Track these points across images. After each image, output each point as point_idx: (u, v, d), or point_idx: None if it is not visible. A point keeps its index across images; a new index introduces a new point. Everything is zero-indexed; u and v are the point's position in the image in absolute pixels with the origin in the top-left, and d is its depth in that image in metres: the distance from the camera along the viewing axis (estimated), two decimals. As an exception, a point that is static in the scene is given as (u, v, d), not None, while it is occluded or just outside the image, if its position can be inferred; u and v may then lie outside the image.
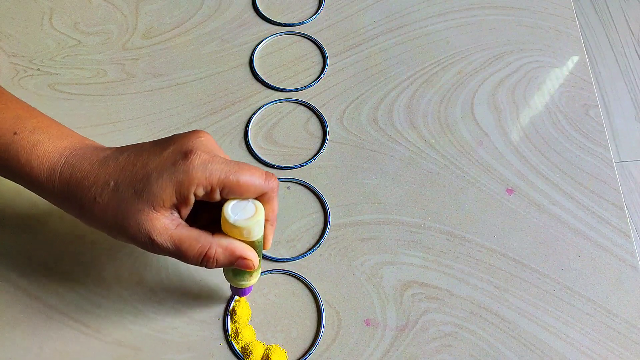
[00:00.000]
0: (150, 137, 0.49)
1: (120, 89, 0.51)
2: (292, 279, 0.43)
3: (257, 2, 0.57)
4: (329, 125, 0.50)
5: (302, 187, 0.47)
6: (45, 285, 0.42)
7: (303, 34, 0.56)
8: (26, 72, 0.52)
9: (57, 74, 0.52)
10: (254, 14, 0.57)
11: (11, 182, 0.42)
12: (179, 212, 0.34)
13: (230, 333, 0.41)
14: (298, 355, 0.41)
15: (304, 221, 0.46)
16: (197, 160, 0.33)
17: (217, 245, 0.34)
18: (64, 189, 0.34)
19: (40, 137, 0.35)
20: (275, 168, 0.48)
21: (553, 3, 0.59)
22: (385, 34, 0.56)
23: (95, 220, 0.34)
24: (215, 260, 0.34)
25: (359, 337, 0.41)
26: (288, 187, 0.47)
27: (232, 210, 0.34)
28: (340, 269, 0.44)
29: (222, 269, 0.37)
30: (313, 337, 0.41)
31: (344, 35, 0.56)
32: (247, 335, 0.40)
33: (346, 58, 0.55)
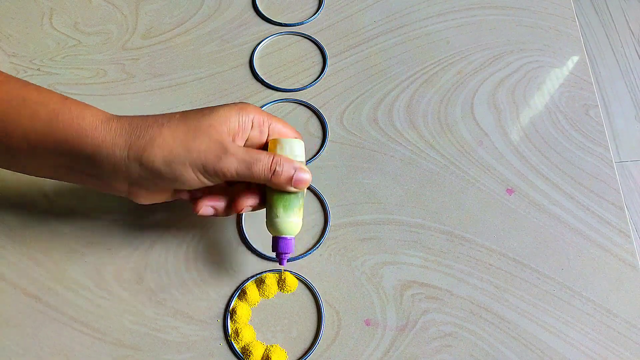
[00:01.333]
0: (150, 137, 0.49)
1: (120, 89, 0.51)
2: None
3: (257, 2, 0.57)
4: (329, 125, 0.50)
5: (302, 187, 0.47)
6: (45, 285, 0.42)
7: (303, 34, 0.56)
8: (26, 72, 0.52)
9: (57, 74, 0.52)
10: (254, 14, 0.57)
11: (11, 181, 0.42)
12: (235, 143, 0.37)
13: (230, 333, 0.41)
14: (298, 355, 0.41)
15: (304, 221, 0.46)
16: (251, 105, 0.38)
17: (281, 157, 0.37)
18: (124, 126, 0.35)
19: (90, 105, 0.37)
20: (275, 168, 0.48)
21: (553, 3, 0.59)
22: (385, 34, 0.56)
23: (163, 145, 0.34)
24: (282, 166, 0.37)
25: (359, 337, 0.41)
26: (288, 187, 0.47)
27: (279, 137, 0.39)
28: (340, 269, 0.44)
29: (264, 223, 0.39)
30: (313, 337, 0.41)
31: (344, 35, 0.56)
32: (247, 335, 0.40)
33: (346, 58, 0.55)
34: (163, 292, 0.42)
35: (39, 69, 0.52)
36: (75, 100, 0.37)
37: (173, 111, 0.50)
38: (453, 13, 0.58)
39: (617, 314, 0.42)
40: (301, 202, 0.39)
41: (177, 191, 0.40)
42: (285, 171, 0.37)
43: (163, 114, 0.36)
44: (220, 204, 0.39)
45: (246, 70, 0.53)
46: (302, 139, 0.40)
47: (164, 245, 0.44)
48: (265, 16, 0.56)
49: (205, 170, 0.35)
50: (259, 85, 0.52)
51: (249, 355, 0.40)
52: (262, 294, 0.42)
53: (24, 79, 0.51)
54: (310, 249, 0.44)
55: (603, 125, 0.51)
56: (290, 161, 0.37)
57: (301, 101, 0.52)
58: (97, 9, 0.56)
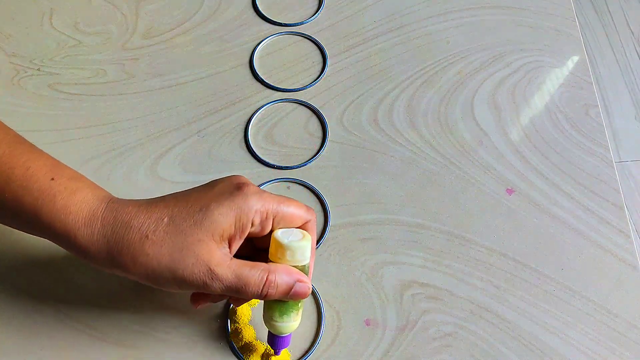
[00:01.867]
0: (151, 137, 0.49)
1: (120, 89, 0.51)
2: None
3: (257, 2, 0.57)
4: (329, 125, 0.50)
5: (302, 187, 0.47)
6: (46, 285, 0.42)
7: (303, 34, 0.56)
8: (26, 72, 0.52)
9: (57, 74, 0.52)
10: (254, 14, 0.57)
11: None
12: (230, 247, 0.34)
13: (230, 333, 0.41)
14: (298, 355, 0.41)
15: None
16: (252, 191, 0.34)
17: (275, 270, 0.34)
18: (106, 232, 0.32)
19: (80, 185, 0.34)
20: (275, 168, 0.48)
21: (553, 3, 0.59)
22: (385, 34, 0.56)
23: (144, 264, 0.32)
24: (276, 285, 0.34)
25: (359, 337, 0.41)
26: (288, 187, 0.47)
27: (283, 235, 0.35)
28: (340, 269, 0.44)
29: (262, 317, 0.37)
30: (313, 337, 0.41)
31: (344, 35, 0.56)
32: (247, 335, 0.40)
33: (346, 58, 0.55)
34: (163, 292, 0.42)
35: (39, 69, 0.52)
36: (63, 177, 0.34)
37: (173, 111, 0.50)
38: (453, 13, 0.58)
39: (617, 314, 0.42)
40: (299, 304, 0.37)
41: None
42: (279, 290, 0.34)
43: (148, 211, 0.33)
44: (218, 299, 0.38)
45: (246, 70, 0.53)
46: (314, 216, 0.37)
47: (164, 245, 0.44)
48: (265, 16, 0.56)
49: (190, 288, 0.33)
50: (259, 85, 0.52)
51: (249, 355, 0.40)
52: (262, 294, 0.42)
53: (24, 79, 0.51)
54: (310, 249, 0.44)
55: (603, 125, 0.51)
56: (289, 273, 0.34)
57: (301, 101, 0.52)
58: (97, 9, 0.56)
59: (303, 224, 0.36)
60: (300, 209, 0.36)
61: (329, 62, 0.54)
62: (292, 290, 0.34)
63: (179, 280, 0.32)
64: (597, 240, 0.45)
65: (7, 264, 0.43)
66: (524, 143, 0.50)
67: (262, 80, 0.52)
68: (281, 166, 0.48)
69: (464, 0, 0.59)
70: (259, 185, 0.47)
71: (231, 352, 0.40)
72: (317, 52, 0.55)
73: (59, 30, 0.54)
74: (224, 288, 0.33)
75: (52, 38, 0.54)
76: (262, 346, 0.40)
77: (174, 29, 0.55)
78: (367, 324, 0.42)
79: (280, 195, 0.35)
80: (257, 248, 0.38)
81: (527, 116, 0.52)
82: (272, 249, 0.35)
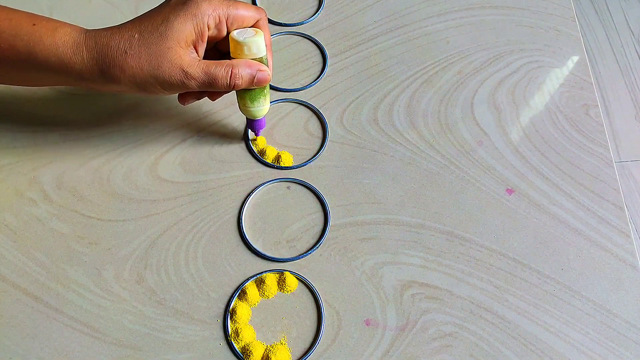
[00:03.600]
0: (151, 137, 0.49)
1: (120, 89, 0.51)
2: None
3: (257, 2, 0.57)
4: (329, 125, 0.50)
5: (302, 187, 0.47)
6: (45, 285, 0.42)
7: (303, 34, 0.56)
8: (26, 72, 0.52)
9: (57, 74, 0.52)
10: (254, 14, 0.57)
11: (11, 182, 0.42)
12: (196, 51, 0.40)
13: (230, 333, 0.41)
14: (298, 355, 0.41)
15: (304, 221, 0.46)
16: (204, 1, 0.39)
17: (238, 65, 0.40)
18: (92, 55, 0.38)
19: (57, 24, 0.39)
20: (275, 168, 0.48)
21: (553, 3, 0.59)
22: (385, 34, 0.56)
23: (131, 74, 0.38)
24: (240, 77, 0.40)
25: (359, 337, 0.41)
26: (288, 187, 0.47)
27: (238, 35, 0.41)
28: (340, 269, 0.44)
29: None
30: (313, 337, 0.41)
31: (344, 35, 0.56)
32: (247, 335, 0.40)
33: (346, 58, 0.55)
34: (163, 292, 0.42)
35: (39, 69, 0.52)
36: (42, 21, 0.39)
37: (173, 111, 0.50)
38: (453, 13, 0.58)
39: (617, 314, 0.42)
40: (265, 90, 0.44)
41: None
42: (244, 79, 0.41)
43: (120, 31, 0.39)
44: (198, 96, 0.44)
45: (246, 70, 0.53)
46: (263, 14, 0.42)
47: (164, 245, 0.44)
48: (265, 16, 0.56)
49: (172, 89, 0.40)
50: (259, 85, 0.52)
51: (249, 355, 0.40)
52: (262, 294, 0.42)
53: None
54: (310, 249, 0.44)
55: (603, 125, 0.51)
56: (249, 65, 0.41)
57: (301, 101, 0.52)
58: (97, 8, 0.56)
59: (255, 23, 0.42)
60: (249, 10, 0.41)
61: (329, 62, 0.54)
62: (255, 78, 0.41)
63: (161, 82, 0.39)
64: (597, 240, 0.45)
65: (7, 264, 0.43)
66: (524, 143, 0.50)
67: (262, 80, 0.52)
68: (281, 166, 0.48)
69: (464, 0, 0.59)
70: (259, 186, 0.47)
71: (231, 352, 0.40)
72: (317, 52, 0.55)
73: (59, 30, 0.54)
74: (199, 84, 0.39)
75: (52, 38, 0.54)
76: (262, 346, 0.40)
77: (174, 29, 0.55)
78: (367, 324, 0.42)
79: (230, 0, 0.41)
80: (223, 53, 0.44)
81: (527, 116, 0.52)
82: (231, 48, 0.42)
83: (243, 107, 0.45)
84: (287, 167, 0.48)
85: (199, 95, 0.44)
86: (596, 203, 0.47)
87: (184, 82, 0.39)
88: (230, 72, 0.40)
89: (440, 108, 0.52)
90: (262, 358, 0.40)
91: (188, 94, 0.44)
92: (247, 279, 0.43)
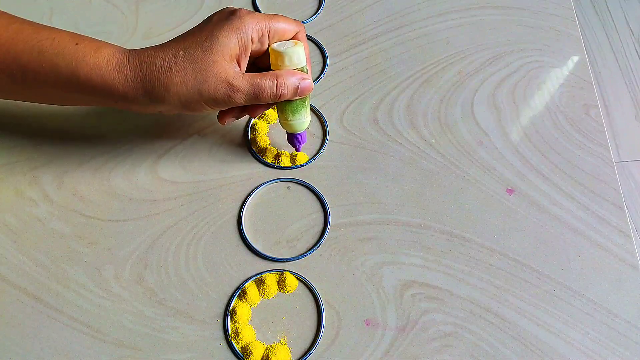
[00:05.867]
0: (151, 137, 0.49)
1: (120, 89, 0.51)
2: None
3: (257, 2, 0.57)
4: (329, 125, 0.50)
5: (302, 187, 0.47)
6: (45, 285, 0.42)
7: (303, 34, 0.56)
8: (26, 72, 0.52)
9: (57, 74, 0.52)
10: (254, 14, 0.57)
11: (11, 182, 0.42)
12: (240, 66, 0.40)
13: (230, 333, 0.41)
14: (298, 355, 0.41)
15: (304, 221, 0.46)
16: (244, 13, 0.40)
17: (282, 75, 0.40)
18: (137, 75, 0.38)
19: (100, 44, 0.39)
20: (275, 168, 0.48)
21: (553, 3, 0.59)
22: (385, 34, 0.56)
23: (175, 91, 0.38)
24: (286, 85, 0.40)
25: (359, 337, 0.41)
26: (288, 187, 0.47)
27: (279, 46, 0.41)
28: (340, 269, 0.44)
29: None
30: (313, 337, 0.41)
31: (344, 35, 0.56)
32: (247, 335, 0.41)
33: (346, 58, 0.55)
34: (163, 292, 0.42)
35: (39, 69, 0.52)
36: (84, 41, 0.39)
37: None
38: (453, 13, 0.58)
39: (617, 314, 0.42)
40: (306, 102, 0.44)
41: None
42: (289, 89, 0.40)
43: (164, 49, 0.39)
44: (239, 114, 0.44)
45: (246, 70, 0.53)
46: (302, 27, 0.43)
47: (164, 245, 0.44)
48: (265, 16, 0.56)
49: (217, 104, 0.40)
50: (259, 85, 0.52)
51: (249, 355, 0.40)
52: (262, 294, 0.42)
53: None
54: (310, 249, 0.44)
55: (603, 125, 0.51)
56: (293, 74, 0.41)
57: (301, 101, 0.52)
58: (97, 9, 0.56)
59: (294, 35, 0.43)
60: (289, 23, 0.42)
61: (329, 62, 0.54)
62: (299, 86, 0.41)
63: (206, 99, 0.39)
64: (597, 240, 0.45)
65: (7, 264, 0.43)
66: (524, 143, 0.50)
67: (262, 80, 0.52)
68: (281, 166, 0.48)
69: (464, 0, 0.59)
70: (259, 186, 0.47)
71: (231, 352, 0.40)
72: (317, 52, 0.55)
73: (59, 30, 0.54)
74: (245, 97, 0.39)
75: (52, 38, 0.54)
76: (262, 346, 0.40)
77: (174, 29, 0.55)
78: (367, 324, 0.42)
79: (270, 13, 0.41)
80: (261, 70, 0.43)
81: (527, 116, 0.52)
82: (272, 60, 0.42)
83: (284, 121, 0.44)
84: (287, 167, 0.48)
85: (240, 112, 0.44)
86: (596, 203, 0.47)
87: (229, 96, 0.39)
88: (276, 81, 0.40)
89: (440, 108, 0.52)
90: (262, 358, 0.40)
91: (229, 112, 0.43)
92: (247, 279, 0.43)
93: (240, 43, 0.39)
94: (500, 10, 0.58)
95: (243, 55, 0.40)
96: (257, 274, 0.43)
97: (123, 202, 0.46)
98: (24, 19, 0.41)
